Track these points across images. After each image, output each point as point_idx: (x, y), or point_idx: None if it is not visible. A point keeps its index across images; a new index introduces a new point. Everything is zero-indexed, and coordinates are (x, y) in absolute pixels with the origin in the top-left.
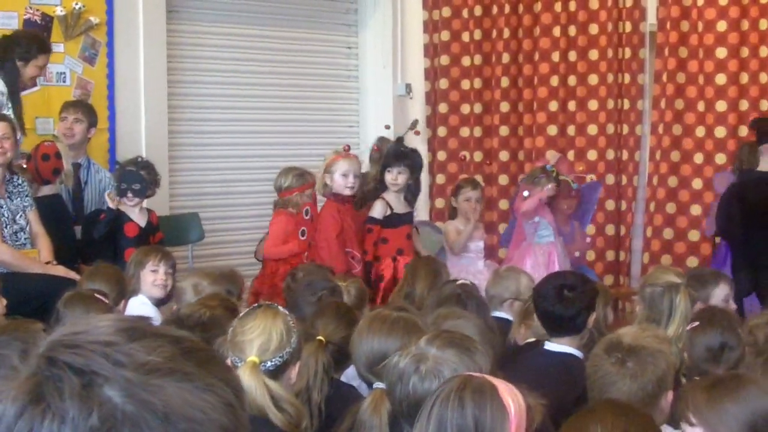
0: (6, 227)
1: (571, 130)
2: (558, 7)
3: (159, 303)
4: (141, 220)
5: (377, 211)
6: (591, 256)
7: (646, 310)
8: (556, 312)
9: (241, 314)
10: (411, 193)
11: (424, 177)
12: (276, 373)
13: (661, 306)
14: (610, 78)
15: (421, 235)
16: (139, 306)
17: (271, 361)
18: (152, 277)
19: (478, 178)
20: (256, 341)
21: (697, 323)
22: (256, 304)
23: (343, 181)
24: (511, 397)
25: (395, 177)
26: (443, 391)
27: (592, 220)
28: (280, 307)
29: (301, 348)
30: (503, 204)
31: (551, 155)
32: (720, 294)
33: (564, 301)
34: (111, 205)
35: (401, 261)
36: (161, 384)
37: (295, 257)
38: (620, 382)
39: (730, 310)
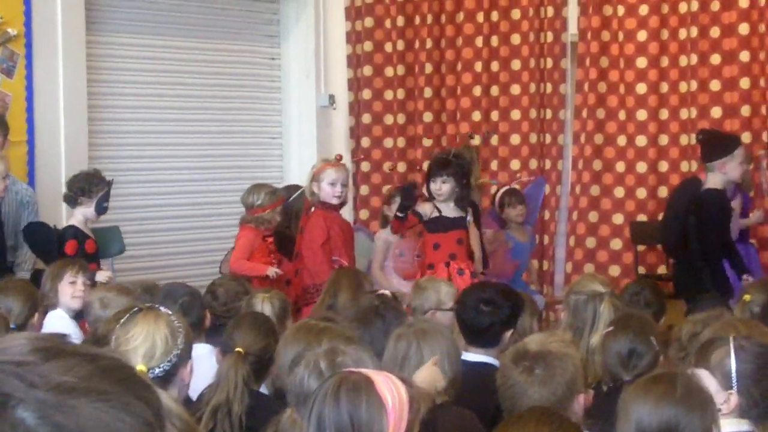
0: None
1: (494, 139)
2: (480, 17)
3: (76, 315)
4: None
5: (424, 209)
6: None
7: (570, 318)
8: (473, 323)
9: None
10: (461, 198)
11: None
12: (167, 378)
13: (585, 314)
14: (533, 88)
15: (358, 241)
16: (58, 320)
17: (159, 367)
18: (70, 289)
19: None
20: (141, 349)
21: (611, 328)
22: (135, 308)
23: (330, 190)
24: (389, 391)
25: (439, 187)
26: (321, 390)
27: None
28: (162, 308)
29: (191, 347)
30: None
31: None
32: None
33: (484, 314)
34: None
35: (454, 266)
36: (76, 404)
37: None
38: (530, 390)
39: (647, 316)
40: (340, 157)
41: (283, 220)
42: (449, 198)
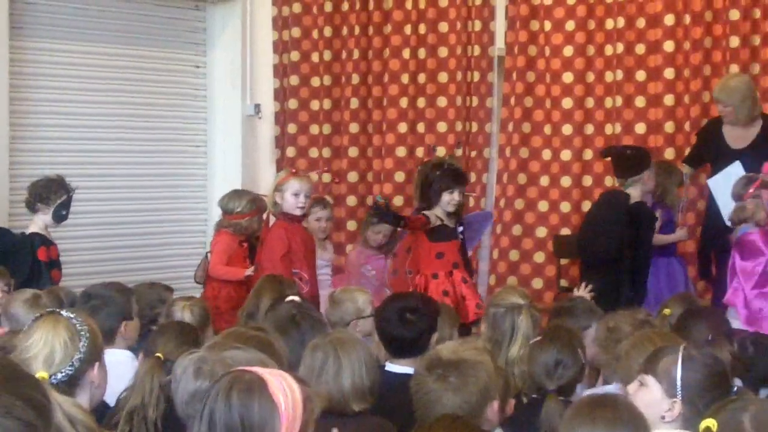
0: None
1: (419, 151)
2: (408, 29)
3: None
4: None
5: (432, 217)
6: None
7: (489, 330)
8: (399, 335)
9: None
10: (461, 209)
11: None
12: (72, 382)
13: (504, 326)
14: (459, 101)
15: None
16: None
17: (62, 372)
18: None
19: (328, 197)
20: (40, 356)
21: (539, 338)
22: (38, 315)
23: (294, 201)
24: (282, 392)
25: (455, 198)
26: (214, 388)
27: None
28: (63, 312)
29: (98, 348)
30: (351, 225)
31: None
32: None
33: (407, 323)
34: None
35: (458, 275)
36: None
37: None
38: (444, 398)
39: (575, 329)
40: (296, 171)
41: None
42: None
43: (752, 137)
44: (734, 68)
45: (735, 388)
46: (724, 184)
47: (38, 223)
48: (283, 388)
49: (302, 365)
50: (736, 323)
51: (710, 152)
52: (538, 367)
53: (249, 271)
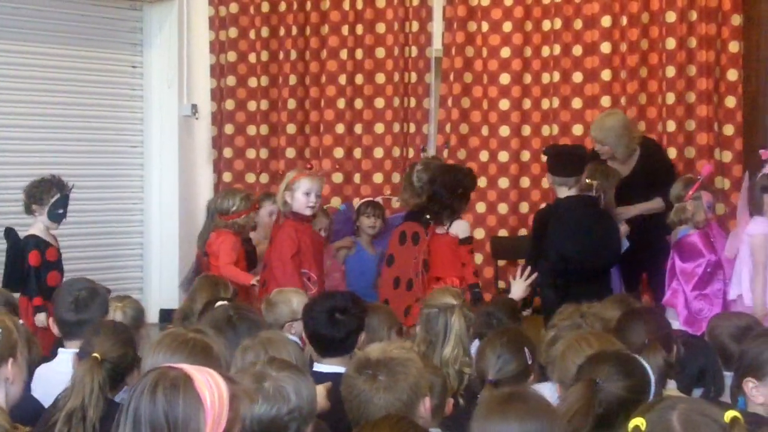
0: None
1: (357, 152)
2: (345, 30)
3: None
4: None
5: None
6: None
7: (423, 331)
8: (328, 334)
9: None
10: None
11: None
12: None
13: (437, 327)
14: (397, 102)
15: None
16: None
17: None
18: None
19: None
20: None
21: (485, 339)
22: None
23: (305, 200)
24: (209, 388)
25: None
26: (139, 386)
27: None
28: None
29: (12, 345)
30: None
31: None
32: None
33: (336, 323)
34: None
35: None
36: None
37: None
38: (375, 397)
39: (520, 327)
40: (311, 167)
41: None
42: None
43: (628, 170)
44: (671, 70)
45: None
46: None
47: (38, 225)
48: (209, 385)
49: (233, 366)
50: (675, 324)
51: None
52: (484, 362)
53: (254, 281)
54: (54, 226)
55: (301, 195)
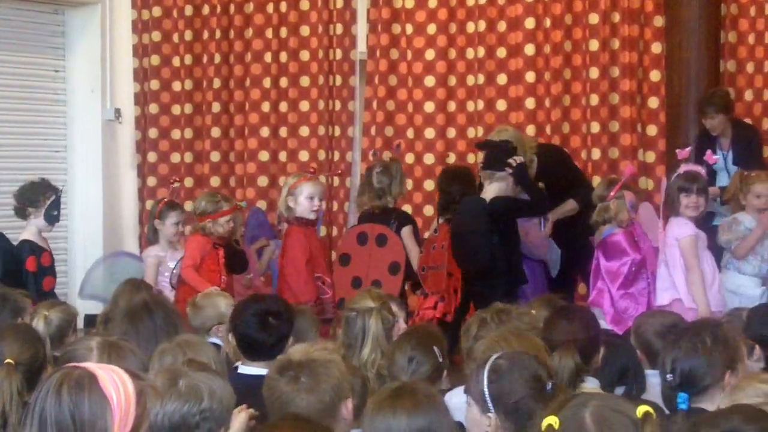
0: None
1: (282, 156)
2: (269, 33)
3: None
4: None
5: None
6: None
7: (343, 334)
8: (259, 338)
9: None
10: None
11: (134, 204)
12: None
13: (355, 330)
14: (321, 105)
15: (122, 265)
16: None
17: None
18: None
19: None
20: None
21: (396, 340)
22: None
23: (308, 204)
24: (114, 386)
25: None
26: (44, 386)
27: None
28: None
29: None
30: None
31: None
32: None
33: (268, 327)
34: None
35: None
36: None
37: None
38: (297, 399)
39: (432, 328)
40: (314, 171)
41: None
42: None
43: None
44: (594, 72)
45: (549, 386)
46: None
47: (31, 229)
48: (115, 383)
49: (151, 368)
50: (602, 323)
51: None
52: (396, 364)
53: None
54: (48, 229)
55: (305, 199)
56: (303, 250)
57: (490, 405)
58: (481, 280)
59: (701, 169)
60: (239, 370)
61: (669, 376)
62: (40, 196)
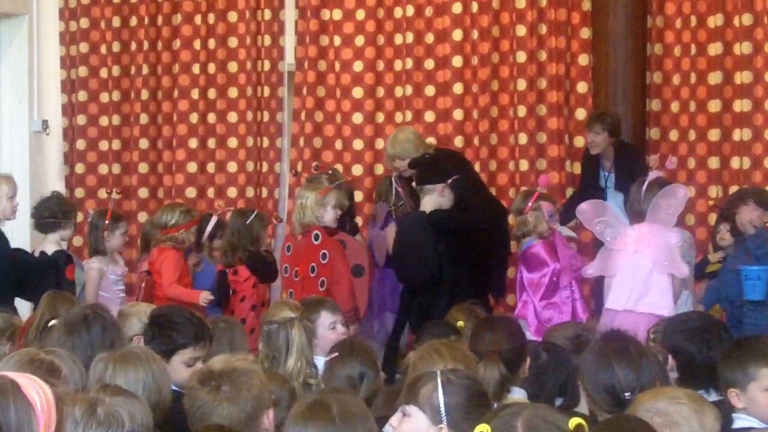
0: None
1: (210, 167)
2: (197, 44)
3: None
4: None
5: None
6: None
7: (265, 348)
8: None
9: None
10: None
11: None
12: None
13: (278, 342)
14: (250, 116)
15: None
16: None
17: None
18: None
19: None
20: None
21: (336, 354)
22: None
23: (334, 214)
24: (36, 392)
25: None
26: None
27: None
28: None
29: None
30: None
31: None
32: None
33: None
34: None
35: None
36: None
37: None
38: (218, 408)
39: (367, 342)
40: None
41: (246, 242)
42: None
43: None
44: (521, 83)
45: (494, 406)
46: None
47: (54, 239)
48: (36, 389)
49: (89, 376)
50: (528, 335)
51: None
52: (340, 381)
53: (204, 299)
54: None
55: (332, 209)
56: (346, 260)
57: (443, 416)
58: (426, 291)
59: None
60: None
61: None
62: (67, 209)
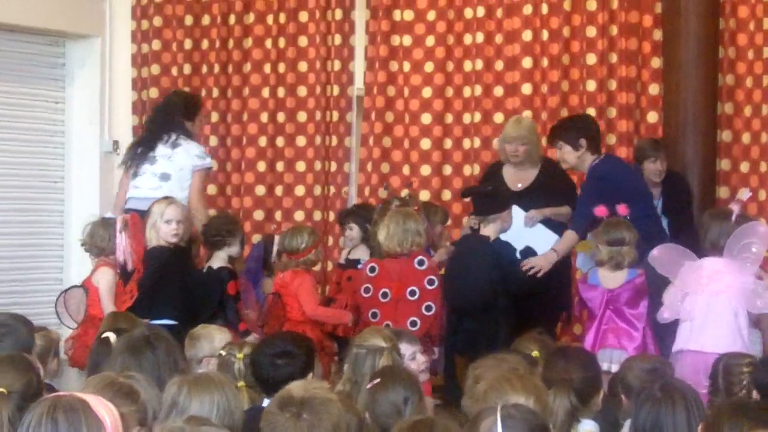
0: None
1: (278, 190)
2: (267, 68)
3: None
4: None
5: None
6: None
7: (350, 370)
8: (271, 378)
9: None
10: None
11: None
12: None
13: (364, 368)
14: (318, 140)
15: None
16: None
17: None
18: None
19: None
20: None
21: (378, 380)
22: None
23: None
24: (105, 409)
25: None
26: (35, 416)
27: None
28: None
29: None
30: None
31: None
32: None
33: (278, 368)
34: None
35: None
36: None
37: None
38: None
39: (406, 368)
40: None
41: None
42: None
43: (532, 178)
44: (591, 84)
45: None
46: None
47: (222, 256)
48: (105, 408)
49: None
50: (615, 367)
51: None
52: (384, 407)
53: (351, 318)
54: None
55: (426, 234)
56: None
57: None
58: (480, 316)
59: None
60: (263, 405)
61: None
62: (235, 227)
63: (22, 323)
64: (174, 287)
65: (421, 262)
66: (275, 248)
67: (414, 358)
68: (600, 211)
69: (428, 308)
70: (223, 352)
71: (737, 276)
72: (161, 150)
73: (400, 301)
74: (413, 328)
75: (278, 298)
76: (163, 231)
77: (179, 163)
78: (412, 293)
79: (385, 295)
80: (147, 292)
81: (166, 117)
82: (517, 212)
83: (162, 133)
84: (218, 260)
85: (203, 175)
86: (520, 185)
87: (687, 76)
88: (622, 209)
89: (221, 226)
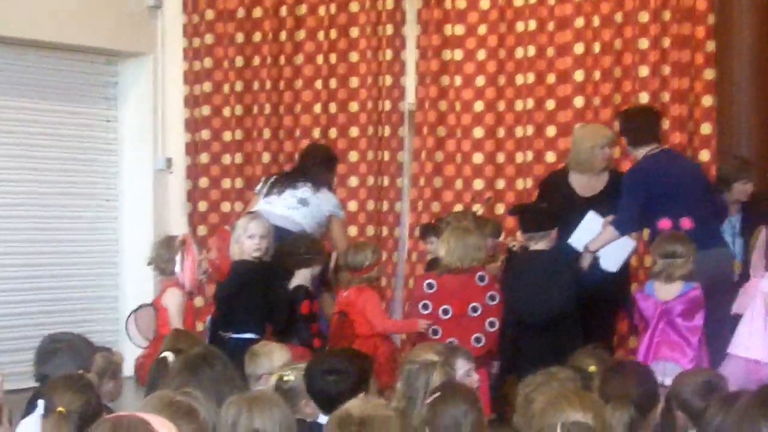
0: None
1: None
2: (319, 84)
3: None
4: None
5: None
6: None
7: (404, 386)
8: (323, 394)
9: None
10: None
11: None
12: None
13: (417, 383)
14: (370, 155)
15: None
16: None
17: None
18: None
19: None
20: None
21: (438, 394)
22: None
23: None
24: (166, 429)
25: None
26: None
27: None
28: None
29: None
30: None
31: None
32: None
33: (328, 384)
34: None
35: None
36: None
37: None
38: None
39: (464, 383)
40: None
41: None
42: None
43: (602, 185)
44: (644, 70)
45: None
46: (586, 236)
47: (305, 275)
48: (165, 424)
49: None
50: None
51: (558, 203)
52: (445, 420)
53: (424, 325)
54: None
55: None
56: None
57: None
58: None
59: None
60: (320, 420)
61: None
62: (315, 247)
63: (81, 341)
64: (256, 301)
65: (482, 278)
66: (332, 264)
67: (469, 375)
68: (663, 223)
69: (492, 324)
70: (273, 379)
71: None
72: (303, 187)
73: (462, 317)
74: (478, 345)
75: (344, 317)
76: (246, 246)
77: (319, 200)
78: (474, 309)
79: (446, 311)
80: (229, 305)
81: (312, 166)
82: (594, 218)
83: (306, 181)
84: (300, 278)
85: (342, 223)
86: (592, 192)
87: (740, 88)
88: (686, 222)
89: (312, 246)
